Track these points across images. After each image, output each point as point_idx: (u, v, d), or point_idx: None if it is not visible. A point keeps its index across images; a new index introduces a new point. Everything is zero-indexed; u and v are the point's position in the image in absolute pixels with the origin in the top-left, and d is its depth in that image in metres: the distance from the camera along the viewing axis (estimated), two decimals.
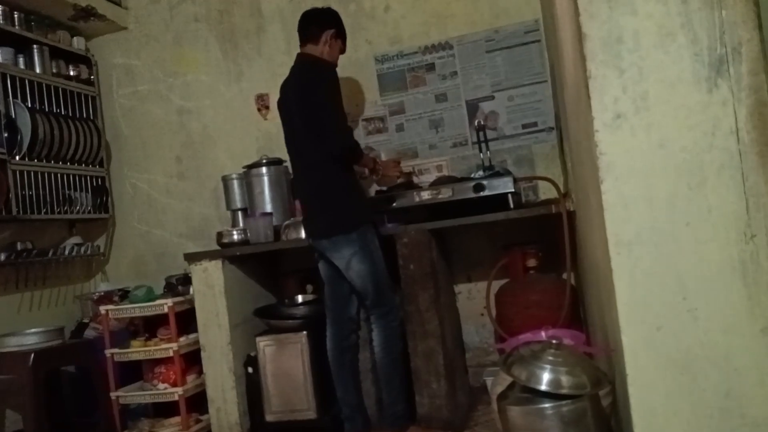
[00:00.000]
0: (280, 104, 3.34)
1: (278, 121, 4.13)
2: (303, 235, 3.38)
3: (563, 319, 3.02)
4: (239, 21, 4.44)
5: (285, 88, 3.31)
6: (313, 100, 3.04)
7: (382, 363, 3.14)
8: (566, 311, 3.07)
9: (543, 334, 2.88)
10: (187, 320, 3.66)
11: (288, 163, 3.66)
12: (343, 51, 3.38)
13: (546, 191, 3.74)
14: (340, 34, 3.32)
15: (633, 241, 1.60)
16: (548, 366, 1.97)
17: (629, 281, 1.61)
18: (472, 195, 3.35)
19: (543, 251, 3.47)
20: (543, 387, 1.91)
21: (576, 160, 2.58)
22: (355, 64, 4.14)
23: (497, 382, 2.44)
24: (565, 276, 3.18)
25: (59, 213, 4.05)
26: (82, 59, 4.45)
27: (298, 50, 3.31)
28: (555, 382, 1.93)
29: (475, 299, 3.88)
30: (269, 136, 4.28)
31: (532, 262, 3.47)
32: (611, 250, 1.62)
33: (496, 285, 3.52)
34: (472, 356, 3.87)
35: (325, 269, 3.26)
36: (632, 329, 1.61)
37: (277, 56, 4.33)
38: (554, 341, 2.10)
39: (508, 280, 3.54)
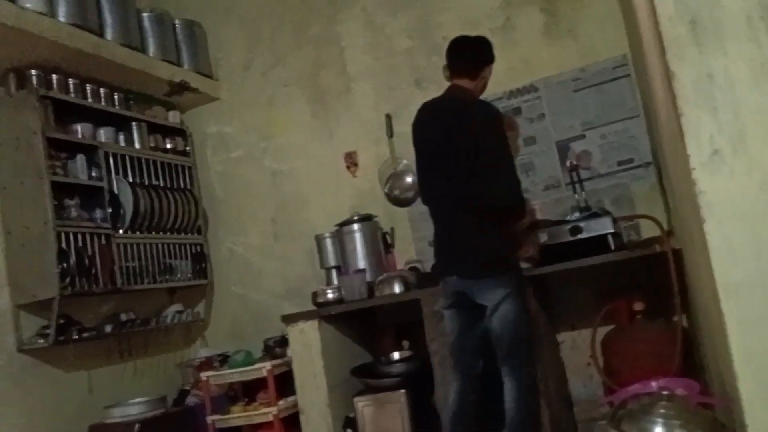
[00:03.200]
0: (424, 129, 3.07)
1: (369, 177, 4.25)
2: (435, 278, 3.13)
3: (675, 368, 2.82)
4: (327, 82, 4.53)
5: (437, 116, 3.05)
6: (488, 145, 2.84)
7: (512, 422, 2.85)
8: (678, 359, 2.87)
9: (654, 384, 2.71)
10: (285, 382, 3.67)
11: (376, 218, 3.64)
12: None
13: (649, 229, 3.53)
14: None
15: (741, 285, 1.51)
16: (660, 420, 1.87)
17: (741, 327, 1.52)
18: (570, 238, 3.24)
19: (650, 294, 3.27)
20: None
21: (677, 197, 2.44)
22: None
23: None
24: (675, 320, 2.98)
25: (160, 282, 4.16)
26: (178, 131, 4.64)
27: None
28: None
29: (579, 348, 3.68)
30: (360, 193, 4.30)
31: (638, 306, 3.28)
32: (720, 293, 1.55)
33: (602, 332, 3.34)
34: (581, 410, 3.65)
35: (457, 318, 2.98)
36: (748, 377, 1.52)
37: (366, 113, 4.37)
38: (666, 392, 1.96)
39: (613, 326, 3.35)
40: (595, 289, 3.55)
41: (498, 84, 4.01)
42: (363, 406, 3.38)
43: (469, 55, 3.09)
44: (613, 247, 3.13)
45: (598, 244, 3.16)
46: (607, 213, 3.40)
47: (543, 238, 3.31)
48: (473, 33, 4.03)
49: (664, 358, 2.92)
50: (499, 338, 2.86)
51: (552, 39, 3.94)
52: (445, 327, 3.08)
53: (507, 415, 2.87)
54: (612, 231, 3.16)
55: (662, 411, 1.87)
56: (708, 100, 1.53)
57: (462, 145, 2.87)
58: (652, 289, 3.25)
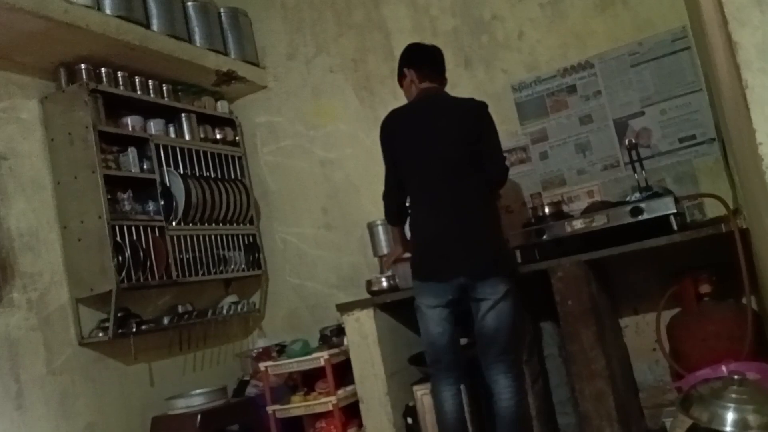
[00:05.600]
0: (414, 127, 3.07)
1: None
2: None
3: (746, 351, 2.72)
4: (373, 67, 4.47)
5: (430, 115, 3.05)
6: (487, 132, 3.00)
7: (512, 417, 2.85)
8: (749, 341, 2.76)
9: (724, 368, 2.63)
10: (343, 372, 3.65)
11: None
12: None
13: (714, 208, 3.40)
14: None
15: None
16: (732, 405, 1.82)
17: None
18: (630, 220, 3.11)
19: (717, 275, 3.16)
20: (728, 429, 1.75)
21: (743, 174, 2.32)
22: (492, 96, 4.02)
23: (676, 425, 2.24)
24: (744, 302, 2.86)
25: (215, 273, 4.16)
26: (227, 122, 4.63)
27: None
28: (741, 423, 1.75)
29: (643, 333, 3.58)
30: None
31: (705, 288, 3.17)
32: None
33: (667, 316, 3.24)
34: (647, 396, 3.55)
35: (450, 317, 2.91)
36: None
37: None
38: (737, 377, 1.89)
39: (679, 309, 3.25)
40: (658, 272, 3.45)
41: (551, 62, 3.93)
42: (422, 394, 3.33)
43: (442, 61, 3.27)
44: (676, 228, 3.01)
45: (661, 225, 3.04)
46: (669, 192, 3.27)
47: (602, 220, 3.21)
48: (521, 8, 3.99)
49: (734, 341, 2.84)
50: (493, 336, 2.85)
51: (605, 12, 3.80)
52: (426, 326, 2.93)
53: (505, 412, 2.86)
54: (675, 211, 3.03)
55: (734, 396, 1.83)
56: None
57: (467, 136, 2.95)
58: (718, 270, 3.14)
